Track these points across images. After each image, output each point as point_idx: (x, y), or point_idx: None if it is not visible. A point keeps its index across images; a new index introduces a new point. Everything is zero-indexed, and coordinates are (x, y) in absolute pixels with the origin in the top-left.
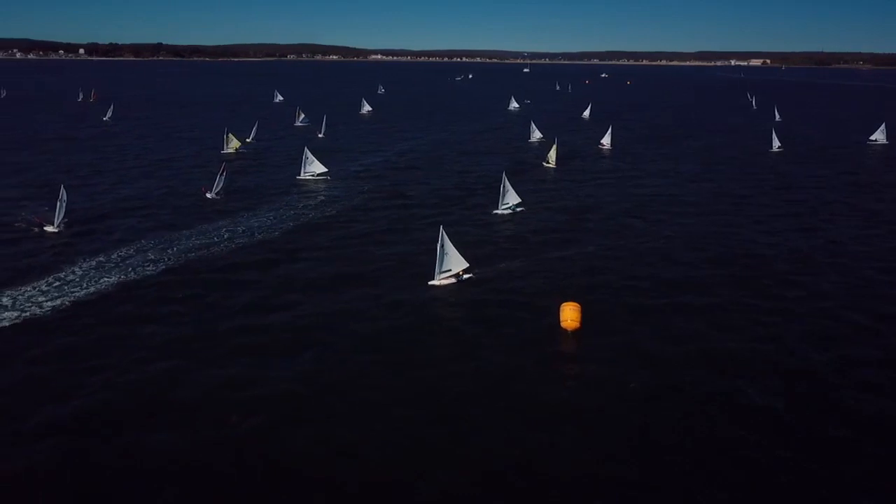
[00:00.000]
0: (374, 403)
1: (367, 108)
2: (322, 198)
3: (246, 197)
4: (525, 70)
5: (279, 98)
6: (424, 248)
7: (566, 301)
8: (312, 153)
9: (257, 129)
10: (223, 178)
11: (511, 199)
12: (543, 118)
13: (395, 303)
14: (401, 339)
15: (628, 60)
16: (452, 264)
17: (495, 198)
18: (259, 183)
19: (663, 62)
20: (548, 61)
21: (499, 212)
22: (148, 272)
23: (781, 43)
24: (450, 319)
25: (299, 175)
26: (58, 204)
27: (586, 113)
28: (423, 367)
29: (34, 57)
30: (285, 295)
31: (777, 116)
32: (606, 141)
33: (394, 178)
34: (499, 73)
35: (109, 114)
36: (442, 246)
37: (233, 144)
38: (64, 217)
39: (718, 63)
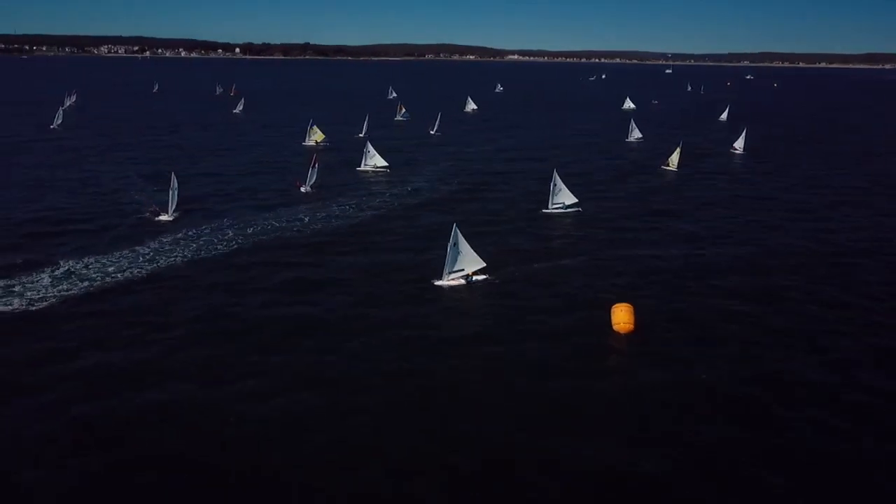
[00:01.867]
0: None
1: (472, 106)
2: (400, 192)
3: (329, 189)
4: (668, 71)
5: (393, 95)
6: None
7: (620, 302)
8: (373, 149)
9: (368, 122)
10: (315, 170)
11: (565, 198)
12: (670, 119)
13: (425, 298)
14: (438, 335)
15: (781, 62)
16: (465, 264)
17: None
18: (338, 175)
19: (822, 64)
20: (692, 62)
21: (547, 211)
22: (223, 253)
23: None
24: (490, 318)
25: (360, 167)
26: (170, 193)
27: (724, 115)
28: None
29: (196, 55)
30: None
31: None
32: (739, 144)
33: (473, 177)
34: (635, 74)
35: (240, 107)
36: (455, 245)
37: (315, 137)
38: (177, 205)
39: (887, 66)
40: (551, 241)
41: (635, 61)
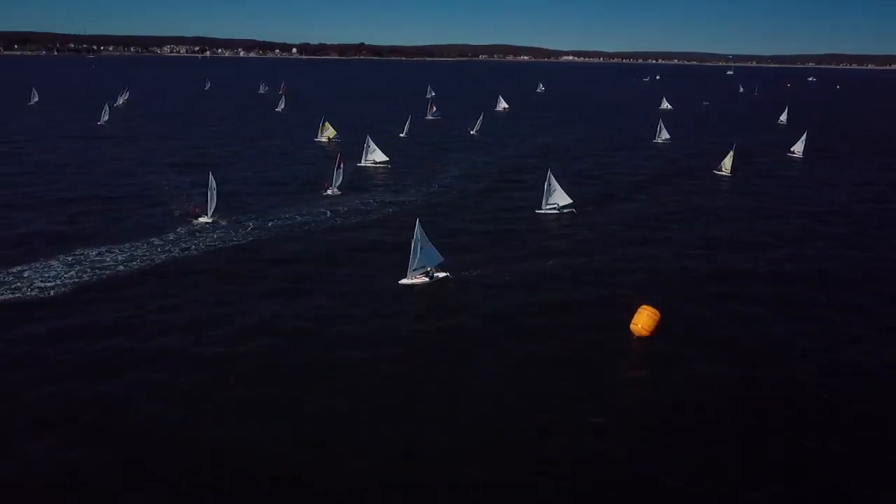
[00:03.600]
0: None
1: (503, 105)
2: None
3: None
4: (729, 72)
5: (431, 94)
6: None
7: (645, 304)
8: (374, 144)
9: (410, 122)
10: (340, 171)
11: (559, 199)
12: (719, 121)
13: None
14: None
15: (849, 64)
16: (427, 261)
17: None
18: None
19: (894, 66)
20: (754, 64)
21: (541, 212)
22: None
23: None
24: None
25: (360, 163)
26: (208, 193)
27: (783, 117)
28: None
29: (254, 55)
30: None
31: None
32: (798, 148)
33: (490, 176)
34: (692, 76)
35: (282, 105)
36: (417, 240)
37: (327, 133)
38: (216, 206)
39: None
40: (552, 242)
41: (694, 63)
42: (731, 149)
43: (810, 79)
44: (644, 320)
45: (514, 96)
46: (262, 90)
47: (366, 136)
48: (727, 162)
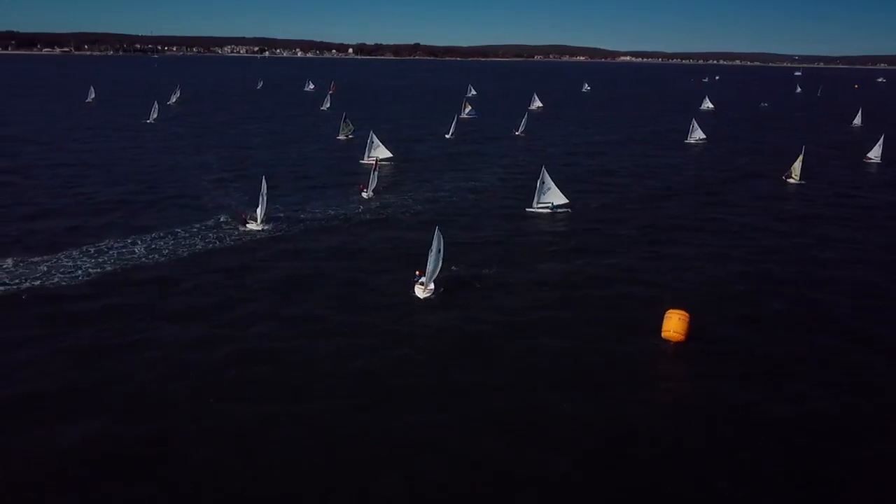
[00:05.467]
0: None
1: (537, 103)
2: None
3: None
4: (797, 73)
5: (472, 92)
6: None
7: (674, 308)
8: (378, 140)
9: (456, 124)
10: (376, 174)
11: (553, 197)
12: (780, 123)
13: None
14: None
15: None
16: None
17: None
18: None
19: None
20: (821, 65)
21: (531, 210)
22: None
23: None
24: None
25: (362, 160)
26: (260, 198)
27: (857, 120)
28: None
29: (311, 55)
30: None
31: None
32: (875, 154)
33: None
34: (755, 77)
35: (327, 103)
36: (437, 249)
37: (346, 131)
38: (266, 213)
39: None
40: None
41: (757, 63)
42: (801, 152)
43: (879, 80)
44: (674, 324)
45: (558, 95)
46: (307, 87)
47: (369, 133)
48: (797, 166)
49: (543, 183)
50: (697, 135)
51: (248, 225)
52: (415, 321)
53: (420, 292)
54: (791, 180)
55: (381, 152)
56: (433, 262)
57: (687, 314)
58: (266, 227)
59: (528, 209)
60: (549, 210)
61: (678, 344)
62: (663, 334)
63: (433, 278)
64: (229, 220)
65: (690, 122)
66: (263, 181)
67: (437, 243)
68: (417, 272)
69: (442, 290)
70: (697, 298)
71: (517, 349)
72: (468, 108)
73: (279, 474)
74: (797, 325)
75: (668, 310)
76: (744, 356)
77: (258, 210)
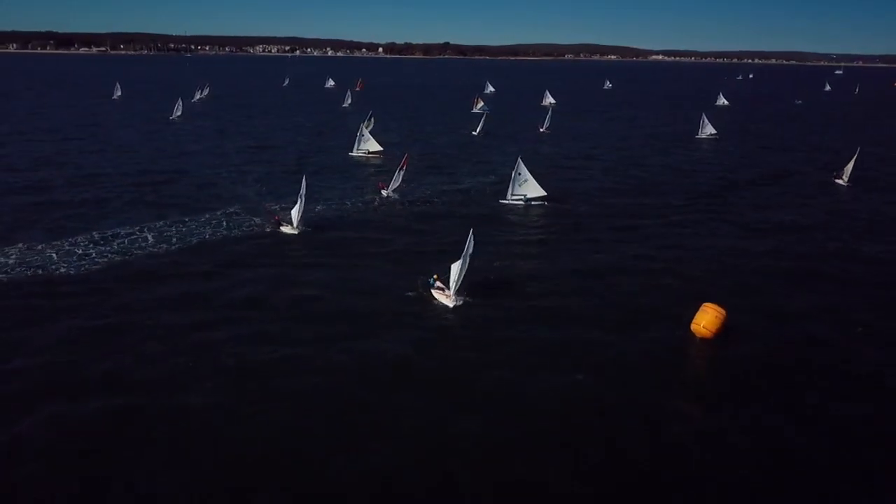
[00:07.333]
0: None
1: (549, 99)
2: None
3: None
4: (837, 72)
5: (490, 89)
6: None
7: (709, 302)
8: (367, 133)
9: (484, 122)
10: (402, 173)
11: (528, 189)
12: (810, 122)
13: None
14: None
15: None
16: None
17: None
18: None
19: None
20: (861, 64)
21: (505, 202)
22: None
23: None
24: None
25: (352, 152)
26: (298, 200)
27: None
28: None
29: (341, 54)
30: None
31: None
32: None
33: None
34: (791, 75)
35: (349, 100)
36: (468, 254)
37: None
38: (302, 216)
39: None
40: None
41: (793, 62)
42: (856, 153)
43: None
44: (708, 320)
45: (577, 93)
46: (328, 84)
47: (359, 126)
48: (849, 167)
49: (520, 174)
50: (708, 130)
51: (281, 228)
52: (431, 322)
53: (446, 300)
54: (840, 181)
55: (371, 145)
56: (460, 266)
57: (723, 311)
58: (303, 230)
59: (501, 201)
60: (522, 202)
61: (703, 340)
62: (692, 327)
63: (459, 284)
64: (264, 224)
65: (700, 117)
66: (304, 181)
67: (468, 247)
68: (435, 276)
69: (466, 294)
70: (734, 297)
71: (546, 338)
72: (480, 104)
73: (279, 474)
74: (836, 340)
75: (703, 304)
76: (775, 364)
77: (294, 212)
